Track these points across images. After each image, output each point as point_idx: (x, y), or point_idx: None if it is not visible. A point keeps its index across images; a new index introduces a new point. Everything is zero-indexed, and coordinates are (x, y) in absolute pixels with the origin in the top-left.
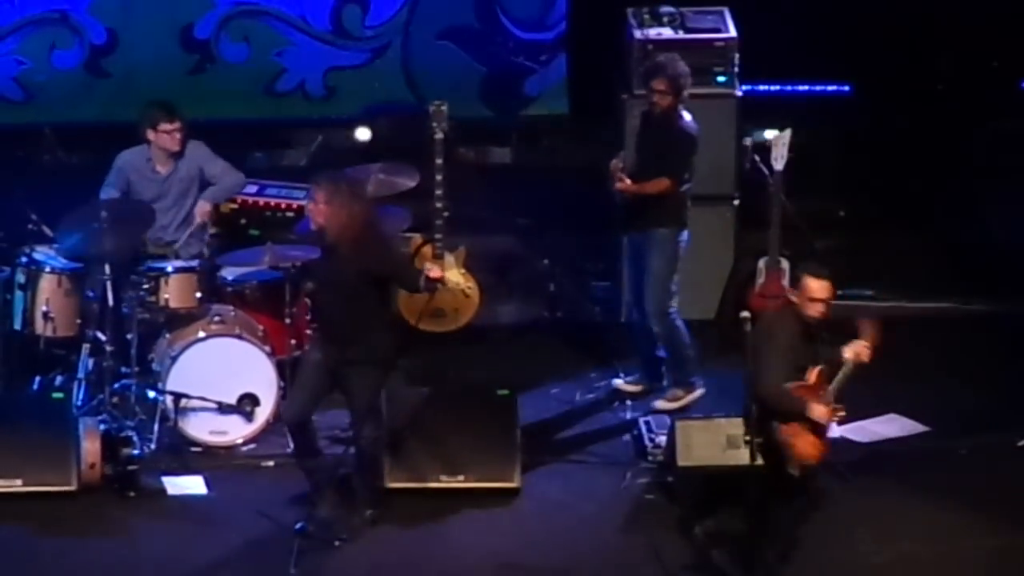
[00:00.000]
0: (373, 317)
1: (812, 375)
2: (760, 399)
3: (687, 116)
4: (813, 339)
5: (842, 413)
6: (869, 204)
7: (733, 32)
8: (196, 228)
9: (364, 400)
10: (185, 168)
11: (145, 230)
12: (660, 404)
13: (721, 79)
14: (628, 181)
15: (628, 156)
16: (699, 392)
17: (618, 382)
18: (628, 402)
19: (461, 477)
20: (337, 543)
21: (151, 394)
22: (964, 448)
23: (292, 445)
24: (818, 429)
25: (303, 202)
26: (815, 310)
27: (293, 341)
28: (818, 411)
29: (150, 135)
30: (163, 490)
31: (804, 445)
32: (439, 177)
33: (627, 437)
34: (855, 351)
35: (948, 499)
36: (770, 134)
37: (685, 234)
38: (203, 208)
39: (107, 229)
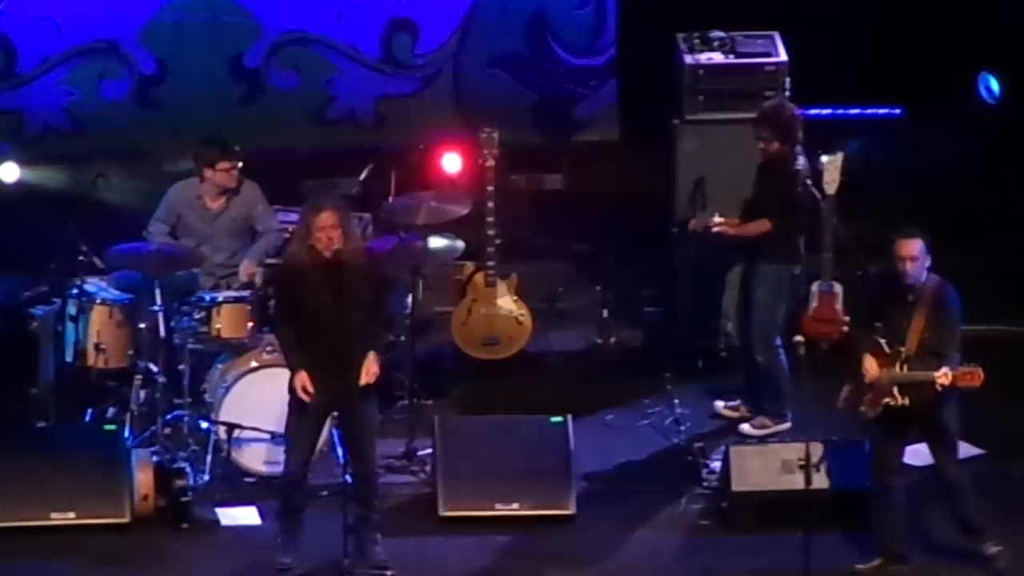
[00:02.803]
0: (373, 339)
1: (893, 351)
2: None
3: (801, 160)
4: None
5: (893, 400)
6: (922, 227)
7: (783, 56)
8: (241, 286)
9: (374, 427)
10: (237, 208)
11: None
12: (746, 428)
13: None
14: (724, 224)
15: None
16: (786, 425)
17: (718, 404)
18: (681, 427)
19: (516, 505)
20: (389, 574)
21: (204, 425)
22: (1019, 471)
23: (286, 497)
24: (871, 391)
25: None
26: (901, 268)
27: None
28: (867, 364)
29: (207, 173)
30: (217, 521)
31: (861, 401)
32: (491, 204)
33: (681, 463)
34: (944, 376)
35: (1003, 522)
36: (824, 158)
37: (795, 270)
38: (248, 269)
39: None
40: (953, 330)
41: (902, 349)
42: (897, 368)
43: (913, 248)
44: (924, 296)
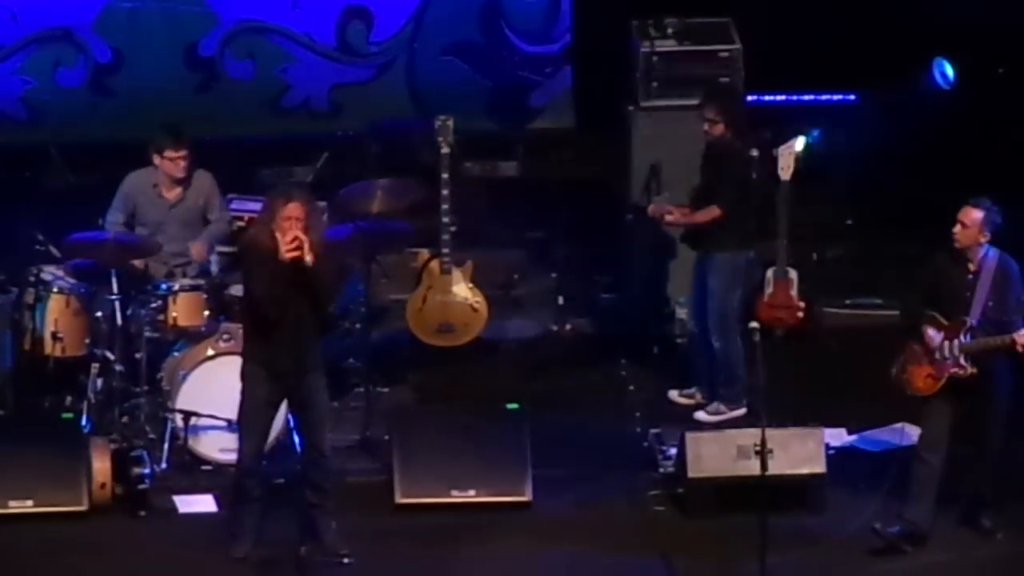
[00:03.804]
0: (321, 321)
1: (955, 321)
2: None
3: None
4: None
5: (962, 371)
6: (876, 213)
7: (737, 43)
8: (193, 265)
9: (326, 406)
10: (192, 198)
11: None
12: (701, 415)
13: None
14: (676, 214)
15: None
16: (741, 411)
17: (673, 394)
18: (637, 414)
19: (472, 492)
20: (346, 560)
21: (161, 413)
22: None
23: (240, 489)
24: (935, 363)
25: None
26: (955, 231)
27: None
28: (929, 334)
29: (155, 160)
30: (174, 509)
31: (915, 374)
32: (445, 192)
33: (637, 449)
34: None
35: (956, 506)
36: (799, 144)
37: (749, 254)
38: (200, 249)
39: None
40: (1018, 298)
41: (966, 319)
42: (962, 338)
43: (967, 215)
44: (986, 267)
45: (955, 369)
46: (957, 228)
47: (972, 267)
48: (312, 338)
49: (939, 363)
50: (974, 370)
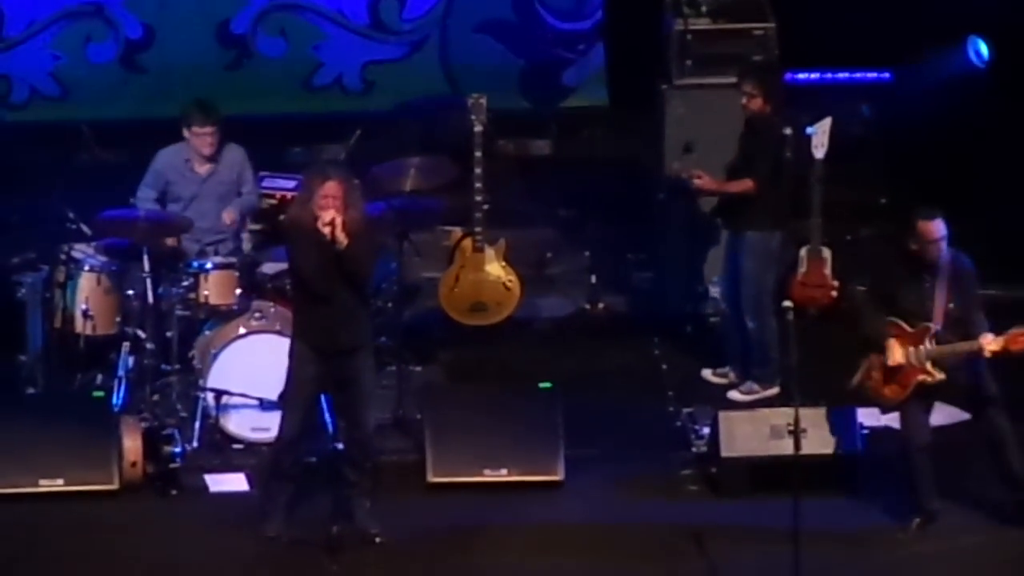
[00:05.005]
0: (366, 298)
1: (919, 328)
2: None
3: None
4: (923, 278)
5: (929, 377)
6: (911, 191)
7: (771, 20)
8: (226, 233)
9: (372, 384)
10: (226, 172)
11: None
12: (735, 395)
13: None
14: (707, 179)
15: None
16: (775, 391)
17: (706, 372)
18: (670, 393)
19: (504, 471)
20: (378, 540)
21: (192, 392)
22: None
23: (277, 465)
24: (899, 374)
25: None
26: (932, 249)
27: None
28: (891, 349)
29: (185, 133)
30: (205, 488)
31: (879, 384)
32: (478, 170)
33: (670, 428)
34: (993, 343)
35: (991, 487)
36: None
37: (779, 235)
38: (231, 215)
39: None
40: (976, 296)
41: (930, 325)
42: (928, 344)
43: (940, 229)
44: (942, 269)
45: (922, 376)
46: (938, 246)
47: (929, 272)
48: (361, 315)
49: (905, 371)
50: (942, 376)
